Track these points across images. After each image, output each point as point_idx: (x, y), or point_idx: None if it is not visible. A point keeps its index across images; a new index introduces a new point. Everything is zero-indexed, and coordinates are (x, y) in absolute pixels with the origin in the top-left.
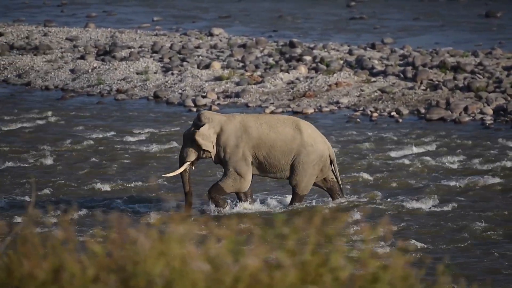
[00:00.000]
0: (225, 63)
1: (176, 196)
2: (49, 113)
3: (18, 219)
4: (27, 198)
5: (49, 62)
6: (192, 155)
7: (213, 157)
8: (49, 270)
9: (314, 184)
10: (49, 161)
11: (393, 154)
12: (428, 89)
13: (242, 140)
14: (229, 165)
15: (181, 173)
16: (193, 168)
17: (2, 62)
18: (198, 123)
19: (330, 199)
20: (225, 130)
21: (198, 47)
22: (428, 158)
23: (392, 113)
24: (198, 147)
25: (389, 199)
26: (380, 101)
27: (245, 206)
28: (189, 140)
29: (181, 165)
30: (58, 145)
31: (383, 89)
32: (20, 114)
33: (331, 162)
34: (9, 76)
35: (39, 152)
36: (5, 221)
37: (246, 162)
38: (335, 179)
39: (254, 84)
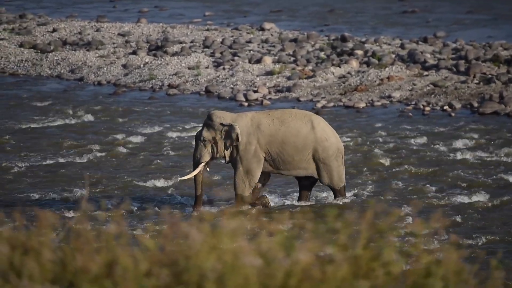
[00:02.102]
0: (276, 57)
1: (228, 191)
2: (102, 108)
3: (72, 214)
4: (80, 193)
5: (101, 57)
6: (206, 156)
7: (227, 156)
8: (102, 264)
9: (298, 178)
10: (101, 156)
11: (445, 148)
12: (481, 83)
13: (254, 137)
14: (240, 162)
15: (195, 175)
16: (207, 169)
17: (55, 58)
18: (209, 123)
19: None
20: None
21: (249, 41)
22: (481, 152)
23: (445, 107)
24: (222, 145)
25: (441, 194)
26: (433, 95)
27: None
28: (204, 141)
29: (195, 166)
30: (111, 140)
31: (435, 83)
32: (73, 109)
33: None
34: (62, 71)
35: (91, 147)
36: (59, 216)
37: (258, 159)
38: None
39: (305, 78)
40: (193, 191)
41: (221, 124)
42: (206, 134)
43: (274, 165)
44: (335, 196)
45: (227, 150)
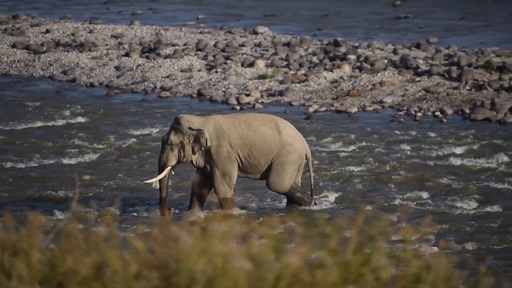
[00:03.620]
0: (269, 61)
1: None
2: (94, 110)
3: (61, 215)
4: (70, 194)
5: (94, 59)
6: (172, 159)
7: (194, 160)
8: (92, 266)
9: None
10: (92, 157)
11: (437, 154)
12: (473, 89)
13: (224, 139)
14: (214, 167)
15: (160, 178)
16: (173, 173)
17: (48, 59)
18: (177, 127)
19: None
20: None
21: (242, 45)
22: (472, 158)
23: (437, 113)
24: (185, 150)
25: (432, 199)
26: (425, 101)
27: (197, 214)
28: (171, 144)
29: (161, 170)
30: (102, 141)
31: (427, 89)
32: (64, 110)
33: (307, 161)
34: (54, 72)
35: (82, 149)
36: (49, 217)
37: (231, 159)
38: (299, 184)
39: (298, 82)
40: (184, 195)
41: (190, 128)
42: (174, 138)
43: (242, 169)
44: (296, 201)
45: (194, 154)
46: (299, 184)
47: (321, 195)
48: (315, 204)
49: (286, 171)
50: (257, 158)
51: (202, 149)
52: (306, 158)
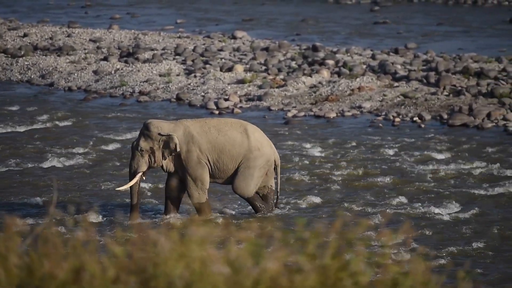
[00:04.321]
0: (247, 66)
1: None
2: (72, 114)
3: (39, 219)
4: (48, 199)
5: (72, 63)
6: (143, 165)
7: (164, 166)
8: (70, 270)
9: None
10: (71, 162)
11: (415, 159)
12: (451, 95)
13: (193, 144)
14: (185, 172)
15: (132, 185)
16: (144, 178)
17: (26, 63)
18: (146, 133)
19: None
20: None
21: (221, 49)
22: (450, 163)
23: (415, 118)
24: (156, 155)
25: (410, 205)
26: (403, 106)
27: (171, 218)
28: (141, 150)
29: (132, 177)
30: (81, 146)
31: (405, 94)
32: (42, 114)
33: (275, 168)
34: (32, 76)
35: (60, 153)
36: (26, 221)
37: (201, 164)
38: (273, 188)
39: (277, 87)
40: (160, 198)
41: (159, 134)
42: (144, 144)
43: (211, 174)
44: (254, 208)
45: (164, 159)
46: (273, 188)
47: (300, 200)
48: (277, 208)
49: (253, 176)
50: (226, 163)
51: (172, 154)
52: (275, 164)
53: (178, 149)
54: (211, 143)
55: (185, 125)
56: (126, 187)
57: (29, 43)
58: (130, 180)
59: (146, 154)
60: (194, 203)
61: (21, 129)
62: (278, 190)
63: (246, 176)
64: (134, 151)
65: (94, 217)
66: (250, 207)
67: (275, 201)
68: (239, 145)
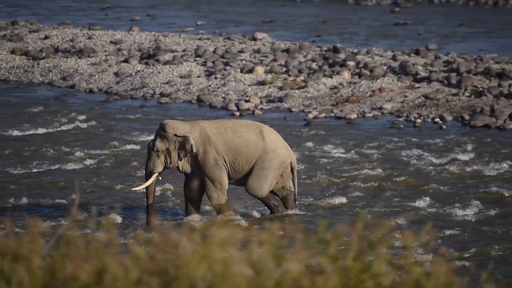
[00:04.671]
0: (268, 67)
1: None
2: (93, 116)
3: (62, 221)
4: (70, 200)
5: (93, 65)
6: (159, 166)
7: (180, 166)
8: (92, 272)
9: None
10: (92, 163)
11: (436, 160)
12: (473, 96)
13: (210, 145)
14: (203, 174)
15: (147, 185)
16: (160, 178)
17: (47, 65)
18: (163, 134)
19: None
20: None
21: (241, 51)
22: (471, 165)
23: (436, 120)
24: (171, 156)
25: (432, 206)
26: (424, 107)
27: (192, 219)
28: (157, 151)
29: (148, 177)
30: (102, 147)
31: (427, 95)
32: (64, 116)
33: (292, 170)
34: (53, 78)
35: (82, 155)
36: (49, 223)
37: (219, 166)
38: (292, 189)
39: (297, 89)
40: (182, 199)
41: (175, 135)
42: (160, 144)
43: (227, 175)
44: (269, 207)
45: (180, 160)
46: (291, 189)
47: (321, 201)
48: (297, 210)
49: (267, 177)
50: (241, 164)
51: (188, 155)
52: (291, 166)
53: (194, 150)
54: (227, 144)
55: (201, 126)
56: (141, 187)
57: (50, 45)
58: (146, 180)
59: (162, 155)
60: (214, 204)
61: (42, 130)
62: (296, 192)
63: (260, 177)
64: (150, 152)
65: (116, 219)
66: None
67: (293, 200)
68: (254, 146)
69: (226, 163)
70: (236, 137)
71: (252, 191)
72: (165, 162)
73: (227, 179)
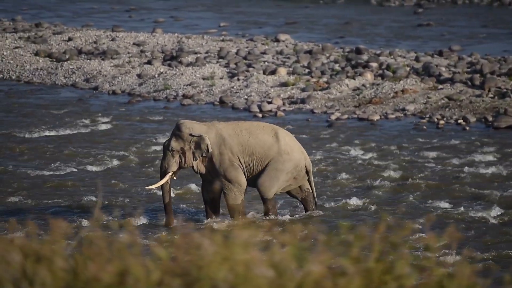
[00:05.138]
0: (291, 69)
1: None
2: (116, 118)
3: (84, 222)
4: (93, 201)
5: (116, 66)
6: (174, 165)
7: (195, 167)
8: (114, 273)
9: (289, 193)
10: (115, 165)
11: (459, 162)
12: (496, 97)
13: (225, 147)
14: (219, 175)
15: (162, 184)
16: (174, 178)
17: (71, 67)
18: (178, 133)
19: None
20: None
21: (264, 52)
22: (495, 166)
23: (459, 121)
24: (186, 155)
25: (455, 207)
26: (447, 109)
27: (212, 222)
28: (172, 150)
29: (163, 176)
30: (125, 149)
31: (450, 97)
32: (87, 118)
33: (307, 173)
34: (77, 80)
35: (105, 156)
36: (71, 224)
37: (234, 166)
38: (310, 190)
39: (320, 90)
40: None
41: (190, 134)
42: (175, 144)
43: None
44: (266, 209)
45: (195, 160)
46: (310, 190)
47: (344, 203)
48: (317, 211)
49: (278, 178)
50: (255, 165)
51: (203, 155)
52: (306, 170)
53: (210, 150)
54: (242, 145)
55: (217, 127)
56: (155, 186)
57: (74, 47)
58: (161, 179)
59: (177, 154)
60: (230, 204)
61: (65, 132)
62: (314, 194)
63: (271, 177)
64: (165, 151)
65: (139, 220)
66: (296, 209)
67: (313, 202)
68: (269, 148)
69: (241, 164)
70: (251, 139)
71: (261, 189)
72: (179, 162)
73: (245, 179)
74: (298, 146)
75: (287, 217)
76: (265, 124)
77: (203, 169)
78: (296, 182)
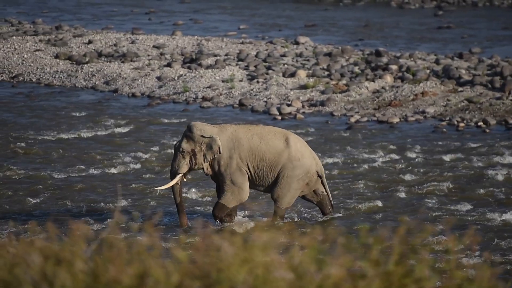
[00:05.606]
0: (310, 71)
1: (261, 205)
2: (136, 120)
3: (104, 225)
4: (113, 204)
5: (136, 69)
6: (184, 167)
7: (205, 168)
8: (134, 276)
9: (304, 197)
10: (135, 167)
11: (479, 164)
12: None
13: (234, 151)
14: (225, 177)
15: (172, 185)
16: (185, 180)
17: (91, 69)
18: (189, 135)
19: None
20: None
21: (283, 55)
22: None
23: (479, 124)
24: (198, 157)
25: (475, 211)
26: (467, 111)
27: (231, 224)
28: (183, 152)
29: (173, 177)
30: (144, 151)
31: (470, 99)
32: (106, 120)
33: (320, 177)
34: (97, 83)
35: (125, 158)
36: (91, 226)
37: (242, 172)
38: (325, 193)
39: (339, 92)
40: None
41: (202, 136)
42: (186, 145)
43: (250, 181)
44: (274, 216)
45: (206, 162)
46: (324, 193)
47: (363, 206)
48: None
49: (290, 186)
50: (265, 171)
51: (215, 156)
52: (318, 175)
53: (221, 151)
54: (252, 150)
55: (228, 130)
56: (165, 187)
57: (94, 49)
58: (171, 180)
59: (187, 156)
60: (220, 202)
61: (86, 134)
62: (330, 197)
63: (283, 185)
64: (176, 152)
65: (158, 222)
66: (315, 212)
67: (329, 205)
68: (279, 154)
69: (249, 170)
70: (262, 144)
71: (275, 199)
72: (190, 164)
73: (248, 188)
74: (309, 151)
75: (306, 220)
76: (276, 129)
77: (211, 172)
78: (309, 188)
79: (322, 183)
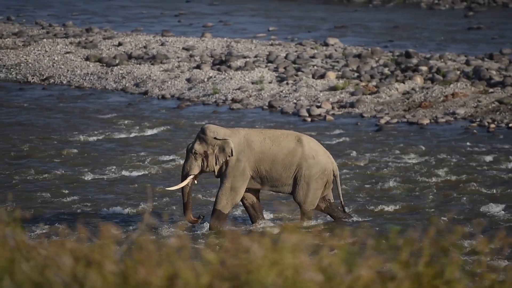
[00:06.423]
0: (340, 73)
1: (289, 205)
2: (166, 122)
3: (134, 226)
4: (143, 206)
5: (166, 71)
6: (196, 168)
7: (216, 171)
8: (164, 277)
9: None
10: (165, 169)
11: (510, 166)
12: None
13: (244, 155)
14: (226, 178)
15: (183, 186)
16: (195, 181)
17: (121, 71)
18: (202, 137)
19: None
20: None
21: (313, 56)
22: None
23: (510, 125)
24: (211, 159)
25: (506, 212)
26: (498, 112)
27: (258, 225)
28: (195, 153)
29: (184, 179)
30: (174, 153)
31: (501, 100)
32: (136, 123)
33: (335, 177)
34: (127, 85)
35: (155, 160)
36: (121, 228)
37: (244, 177)
38: (332, 200)
39: (369, 94)
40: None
41: (215, 138)
42: (198, 147)
43: (262, 182)
44: (302, 219)
45: (217, 164)
46: (331, 200)
47: (393, 207)
48: (350, 217)
49: (310, 186)
50: (279, 172)
51: (227, 158)
52: (334, 175)
53: (233, 154)
54: (264, 153)
55: (241, 133)
56: (175, 188)
57: (124, 52)
58: (182, 181)
59: (199, 158)
60: (216, 209)
61: (116, 137)
62: (342, 199)
63: (303, 186)
64: (188, 154)
65: (188, 224)
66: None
67: (342, 210)
68: (292, 153)
69: (261, 172)
70: (274, 146)
71: (298, 202)
72: (202, 166)
73: (242, 193)
74: (323, 150)
75: (335, 221)
76: (289, 132)
77: (219, 172)
78: (325, 189)
79: (336, 183)
